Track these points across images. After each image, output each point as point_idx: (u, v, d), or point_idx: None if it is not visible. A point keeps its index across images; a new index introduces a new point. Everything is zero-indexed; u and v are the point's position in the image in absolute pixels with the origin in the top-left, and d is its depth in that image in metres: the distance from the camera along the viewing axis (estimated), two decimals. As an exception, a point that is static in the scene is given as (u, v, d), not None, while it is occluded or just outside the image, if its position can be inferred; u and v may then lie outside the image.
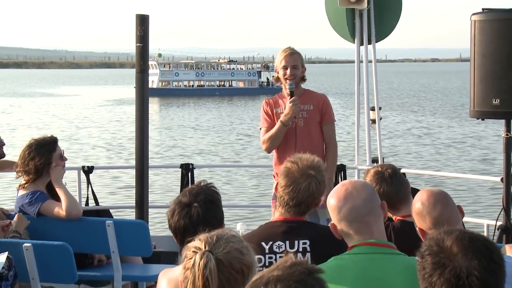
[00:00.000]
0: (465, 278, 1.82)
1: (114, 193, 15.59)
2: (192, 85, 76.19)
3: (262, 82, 79.01)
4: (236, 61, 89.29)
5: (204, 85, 76.43)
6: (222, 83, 78.64)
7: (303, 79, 5.62)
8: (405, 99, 63.30)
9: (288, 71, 5.47)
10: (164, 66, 75.19)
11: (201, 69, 78.72)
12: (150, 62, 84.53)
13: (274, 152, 5.62)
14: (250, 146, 28.34)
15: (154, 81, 71.67)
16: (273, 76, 5.75)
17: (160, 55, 77.16)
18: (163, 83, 72.56)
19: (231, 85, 78.41)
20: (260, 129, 5.69)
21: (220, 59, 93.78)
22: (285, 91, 5.52)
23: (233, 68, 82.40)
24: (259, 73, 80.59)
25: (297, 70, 5.51)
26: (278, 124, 5.43)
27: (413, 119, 40.83)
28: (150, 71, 78.08)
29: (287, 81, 5.46)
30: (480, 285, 1.81)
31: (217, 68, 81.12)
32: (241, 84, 78.32)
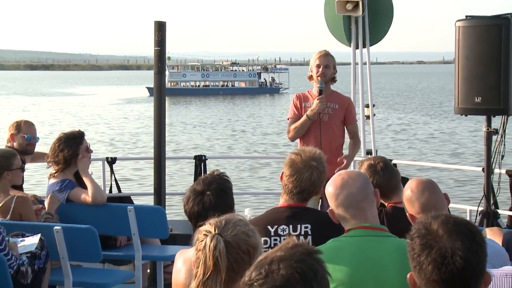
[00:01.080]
0: (449, 257, 1.82)
1: (135, 182, 15.63)
2: (198, 85, 75.64)
3: (261, 82, 78.80)
4: (238, 63, 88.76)
5: (209, 85, 76.04)
6: (226, 83, 78.18)
7: (333, 79, 5.62)
8: (388, 98, 63.02)
9: (320, 69, 5.47)
10: (173, 68, 74.85)
11: (207, 70, 78.40)
12: None
13: (298, 141, 5.61)
14: (243, 141, 28.45)
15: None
16: (307, 75, 5.72)
17: (169, 58, 76.03)
18: (172, 83, 71.80)
19: (234, 85, 78.01)
20: (288, 119, 5.66)
21: (224, 61, 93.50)
22: (316, 88, 5.50)
23: (236, 70, 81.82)
24: (259, 74, 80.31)
25: (328, 70, 5.50)
26: (304, 117, 5.44)
27: (394, 116, 40.66)
28: None
29: (319, 79, 5.46)
30: (463, 264, 1.81)
31: (221, 70, 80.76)
32: (242, 84, 77.88)
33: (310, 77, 5.59)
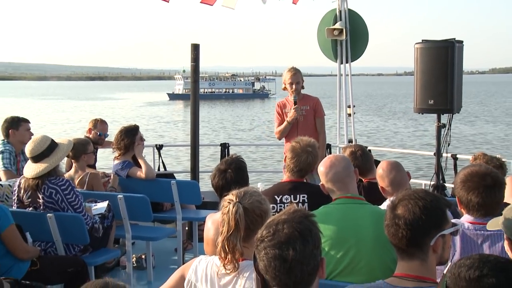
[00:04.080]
0: (399, 221, 1.82)
1: (176, 162, 15.66)
2: (206, 92, 74.13)
3: (254, 89, 77.83)
4: (237, 74, 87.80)
5: (214, 92, 74.79)
6: (227, 90, 77.07)
7: (302, 87, 5.53)
8: (355, 102, 62.04)
9: (293, 86, 5.37)
10: (187, 79, 72.85)
11: (212, 80, 77.42)
12: (176, 76, 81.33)
13: (283, 138, 5.56)
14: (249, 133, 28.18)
15: (180, 89, 70.82)
16: (282, 86, 5.64)
17: (184, 71, 74.42)
18: (186, 90, 69.61)
19: (233, 92, 76.84)
20: (275, 123, 5.60)
21: (226, 73, 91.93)
22: (290, 97, 5.43)
23: (235, 80, 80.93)
24: (253, 83, 79.47)
25: (298, 85, 5.41)
26: (285, 123, 5.39)
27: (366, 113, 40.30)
28: (177, 82, 75.63)
29: (293, 93, 5.38)
30: (408, 225, 1.79)
31: (224, 80, 79.84)
32: (240, 91, 76.84)
33: (285, 88, 5.52)
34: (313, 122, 5.50)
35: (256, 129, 30.65)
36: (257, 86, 79.73)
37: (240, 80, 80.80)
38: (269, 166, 15.67)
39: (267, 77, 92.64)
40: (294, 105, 5.35)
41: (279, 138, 5.57)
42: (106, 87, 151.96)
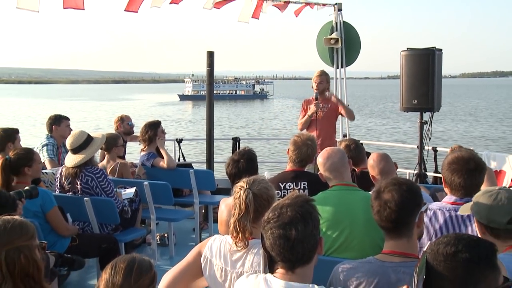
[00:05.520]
0: (387, 204, 1.80)
1: (194, 154, 15.63)
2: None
3: (255, 91, 76.29)
4: (239, 78, 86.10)
5: (219, 93, 72.33)
6: (230, 91, 75.56)
7: (328, 89, 5.53)
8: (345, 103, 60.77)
9: (315, 85, 5.43)
10: (195, 82, 71.89)
11: (217, 83, 75.16)
12: (185, 79, 78.05)
13: (305, 130, 5.48)
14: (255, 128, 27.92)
15: (189, 90, 69.50)
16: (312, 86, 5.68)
17: (193, 75, 74.79)
18: (195, 92, 69.17)
19: (236, 93, 75.43)
20: (300, 116, 5.61)
21: (229, 77, 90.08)
22: (314, 94, 5.47)
23: (237, 82, 79.64)
24: (253, 85, 78.11)
25: (321, 85, 5.43)
26: (306, 116, 5.40)
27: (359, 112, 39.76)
28: (187, 84, 74.31)
29: (315, 90, 5.42)
30: (396, 208, 1.79)
31: (227, 83, 78.63)
32: (242, 92, 75.39)
33: (312, 87, 5.53)
34: (333, 120, 5.50)
35: (252, 126, 30.33)
36: (257, 88, 78.43)
37: (242, 83, 79.71)
38: (274, 157, 15.62)
39: (265, 80, 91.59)
40: (315, 100, 5.38)
41: (301, 129, 5.50)
42: (127, 89, 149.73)
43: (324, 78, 5.48)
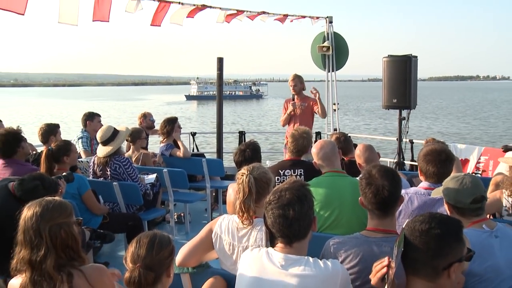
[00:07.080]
0: (381, 190, 1.77)
1: (206, 145, 15.59)
2: (214, 94, 71.74)
3: (251, 92, 75.15)
4: (238, 80, 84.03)
5: None
6: (230, 92, 73.66)
7: (303, 89, 5.52)
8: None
9: (292, 87, 5.47)
10: (200, 84, 70.92)
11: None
12: (191, 81, 73.22)
13: (286, 126, 5.58)
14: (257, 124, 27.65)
15: (194, 91, 68.30)
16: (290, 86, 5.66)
17: (197, 77, 73.26)
18: (199, 92, 68.20)
19: (235, 94, 74.13)
20: (282, 114, 5.63)
21: (229, 79, 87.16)
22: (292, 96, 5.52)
23: (237, 84, 78.22)
24: (250, 87, 77.08)
25: (296, 87, 5.45)
26: (286, 114, 5.45)
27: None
28: (192, 86, 71.18)
29: (292, 92, 5.47)
30: (388, 193, 1.77)
31: (227, 84, 75.75)
32: (240, 93, 74.19)
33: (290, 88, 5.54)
34: (309, 115, 5.49)
35: (251, 123, 30.17)
36: (254, 89, 77.40)
37: (241, 85, 78.57)
38: (275, 147, 15.58)
39: (261, 82, 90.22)
40: (292, 101, 5.45)
41: (283, 125, 5.59)
42: (143, 90, 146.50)
43: (297, 80, 5.48)
